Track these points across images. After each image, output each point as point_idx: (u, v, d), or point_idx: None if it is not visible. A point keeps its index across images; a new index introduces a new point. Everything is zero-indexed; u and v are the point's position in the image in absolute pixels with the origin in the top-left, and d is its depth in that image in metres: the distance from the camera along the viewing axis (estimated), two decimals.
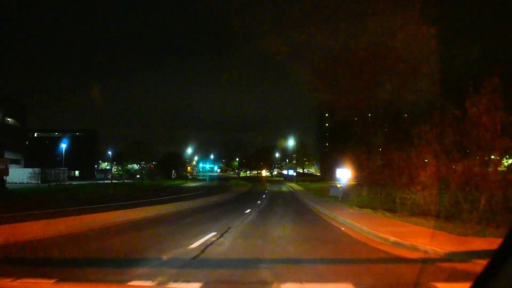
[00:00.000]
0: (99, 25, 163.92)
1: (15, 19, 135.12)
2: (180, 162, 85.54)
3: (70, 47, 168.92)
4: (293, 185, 61.21)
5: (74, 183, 63.51)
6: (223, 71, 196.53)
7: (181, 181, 74.53)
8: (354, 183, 42.51)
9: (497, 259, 1.88)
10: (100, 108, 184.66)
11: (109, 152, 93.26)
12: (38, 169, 59.21)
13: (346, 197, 29.17)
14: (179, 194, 39.93)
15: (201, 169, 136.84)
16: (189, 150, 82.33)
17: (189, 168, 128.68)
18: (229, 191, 46.82)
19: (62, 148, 77.03)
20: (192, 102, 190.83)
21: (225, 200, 31.92)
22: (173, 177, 78.96)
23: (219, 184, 66.26)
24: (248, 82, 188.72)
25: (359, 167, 32.06)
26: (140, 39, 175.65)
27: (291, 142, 69.55)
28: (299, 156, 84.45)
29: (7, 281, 3.56)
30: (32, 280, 4.37)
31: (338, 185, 34.29)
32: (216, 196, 35.70)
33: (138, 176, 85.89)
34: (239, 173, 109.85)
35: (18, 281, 3.93)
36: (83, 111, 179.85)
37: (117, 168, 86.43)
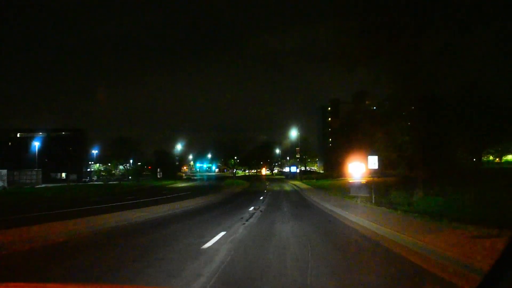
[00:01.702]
0: (91, 24, 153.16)
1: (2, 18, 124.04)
2: (169, 161, 73.05)
3: (61, 47, 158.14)
4: (297, 183, 49.44)
5: (40, 186, 53.44)
6: (222, 70, 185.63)
7: (169, 182, 62.89)
8: (380, 180, 33.18)
9: (503, 260, 1.75)
10: (94, 109, 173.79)
11: (94, 152, 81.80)
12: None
13: (380, 198, 19.38)
14: (154, 196, 28.97)
15: (198, 169, 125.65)
16: (179, 147, 69.95)
17: (185, 167, 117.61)
18: (219, 192, 35.28)
19: (35, 147, 65.55)
20: (192, 102, 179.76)
21: (204, 206, 20.50)
22: (158, 176, 66.87)
23: (210, 184, 54.66)
24: (249, 81, 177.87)
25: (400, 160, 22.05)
26: (138, 39, 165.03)
27: (294, 133, 57.13)
28: (302, 153, 72.32)
29: None
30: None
31: (363, 182, 24.48)
32: (197, 200, 24.25)
33: (130, 177, 74.41)
34: (235, 171, 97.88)
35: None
36: (78, 112, 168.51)
37: (100, 168, 75.08)
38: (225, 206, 20.58)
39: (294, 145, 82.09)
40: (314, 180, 56.30)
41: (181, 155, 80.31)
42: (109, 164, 79.96)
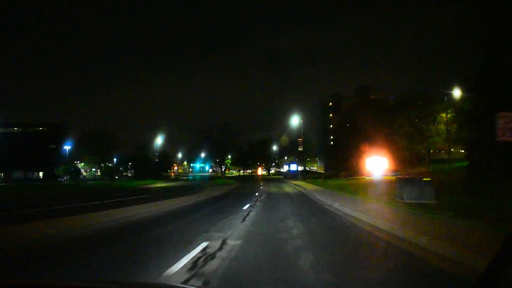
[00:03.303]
0: (87, 22, 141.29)
1: None
2: (146, 158, 60.21)
3: (45, 40, 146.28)
4: (300, 183, 36.89)
5: None
6: (219, 69, 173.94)
7: (147, 181, 50.74)
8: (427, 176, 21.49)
9: (499, 259, 1.58)
10: (83, 107, 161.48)
11: (66, 148, 69.15)
12: None
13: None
14: (101, 200, 19.68)
15: (190, 169, 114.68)
16: (159, 141, 57.50)
17: (175, 166, 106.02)
18: (193, 194, 24.11)
19: None
20: (189, 101, 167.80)
21: (134, 223, 8.15)
22: (129, 175, 54.29)
23: (192, 185, 42.49)
24: (245, 80, 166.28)
25: None
26: (135, 38, 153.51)
27: (295, 121, 44.61)
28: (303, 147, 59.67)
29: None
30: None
31: (426, 178, 13.88)
32: (152, 206, 11.99)
33: (113, 176, 61.95)
34: (223, 169, 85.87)
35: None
36: (63, 109, 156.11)
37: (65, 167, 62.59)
38: (181, 221, 8.32)
39: (293, 141, 69.86)
40: (320, 180, 44.04)
41: (165, 151, 67.54)
42: (78, 162, 67.97)
